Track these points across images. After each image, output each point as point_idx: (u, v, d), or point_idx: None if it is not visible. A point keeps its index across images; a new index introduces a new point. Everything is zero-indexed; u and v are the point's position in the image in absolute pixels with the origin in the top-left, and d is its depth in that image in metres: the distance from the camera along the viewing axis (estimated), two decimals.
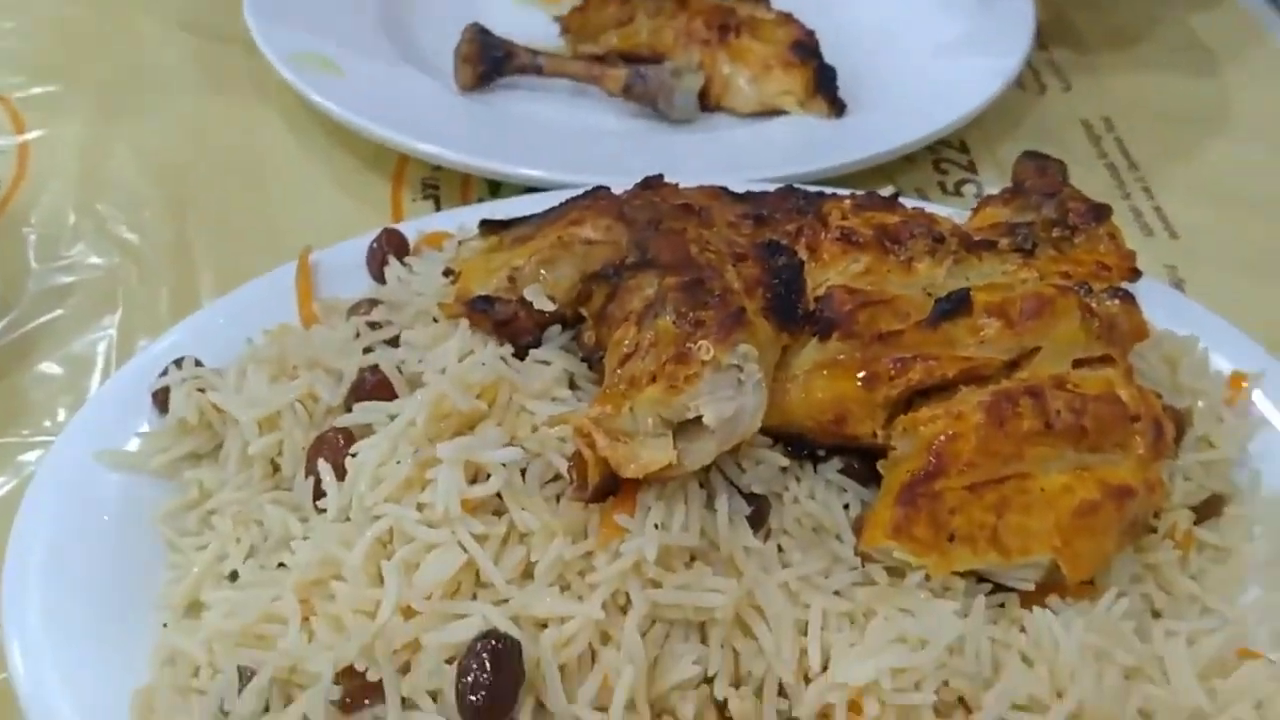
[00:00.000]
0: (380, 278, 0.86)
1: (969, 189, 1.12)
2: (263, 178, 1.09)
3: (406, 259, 0.86)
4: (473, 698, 0.61)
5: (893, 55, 1.21)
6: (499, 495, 0.67)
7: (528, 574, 0.66)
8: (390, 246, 0.87)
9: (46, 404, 0.89)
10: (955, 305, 0.71)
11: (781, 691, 0.64)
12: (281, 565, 0.71)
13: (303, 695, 0.62)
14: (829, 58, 1.15)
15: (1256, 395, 0.84)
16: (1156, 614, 0.73)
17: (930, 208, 0.87)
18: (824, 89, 1.13)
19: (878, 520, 0.67)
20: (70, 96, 1.16)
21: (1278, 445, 0.82)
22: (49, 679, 0.66)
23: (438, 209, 1.06)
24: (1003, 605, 0.69)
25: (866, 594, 0.66)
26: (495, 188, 1.07)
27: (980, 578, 0.70)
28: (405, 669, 0.63)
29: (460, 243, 0.84)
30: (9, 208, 1.04)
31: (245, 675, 0.63)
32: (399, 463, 0.67)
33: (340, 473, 0.71)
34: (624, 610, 0.64)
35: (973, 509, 0.68)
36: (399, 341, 0.77)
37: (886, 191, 0.86)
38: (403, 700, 0.62)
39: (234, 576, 0.72)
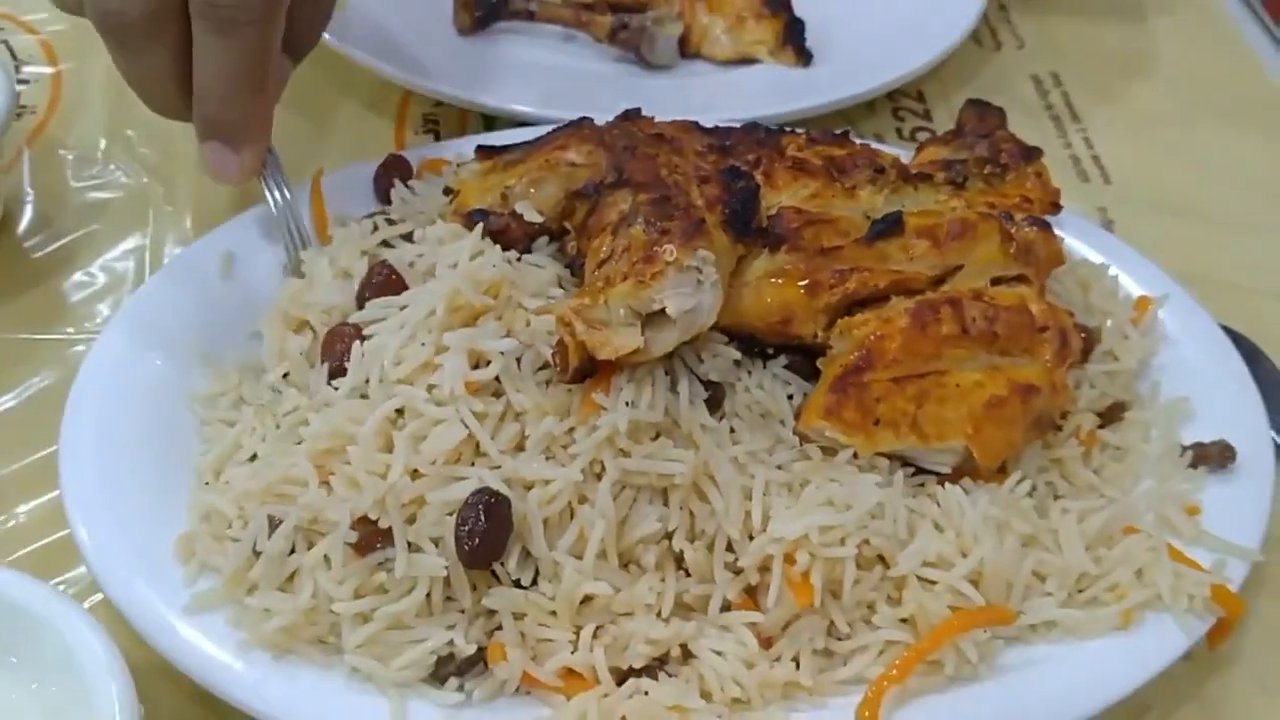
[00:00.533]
0: (386, 199, 0.96)
1: (924, 135, 1.22)
2: (275, 112, 1.19)
3: (410, 181, 0.96)
4: (468, 543, 0.72)
5: (858, 10, 1.30)
6: (497, 379, 0.77)
7: (520, 446, 0.77)
8: (395, 170, 0.97)
9: (86, 306, 0.99)
10: (888, 225, 0.82)
11: (729, 546, 0.76)
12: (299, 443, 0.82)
13: (323, 539, 0.74)
14: (799, 11, 1.24)
15: (1161, 316, 0.95)
16: (1058, 499, 0.84)
17: (880, 147, 0.98)
18: (793, 40, 1.23)
19: (813, 404, 0.79)
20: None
21: (1176, 360, 0.93)
22: (105, 532, 0.76)
23: (437, 141, 1.16)
24: (922, 485, 0.81)
25: (803, 467, 0.78)
26: (490, 123, 1.16)
27: (904, 462, 0.81)
28: (411, 520, 0.74)
29: (458, 166, 0.94)
30: (45, 131, 1.13)
31: (274, 521, 0.74)
32: (422, 345, 0.77)
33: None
34: (599, 476, 0.75)
35: (896, 398, 0.79)
36: (412, 237, 0.87)
37: (838, 131, 0.96)
38: (409, 545, 0.73)
39: (254, 459, 0.83)
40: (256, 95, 0.86)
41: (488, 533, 0.72)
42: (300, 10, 0.87)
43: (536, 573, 0.75)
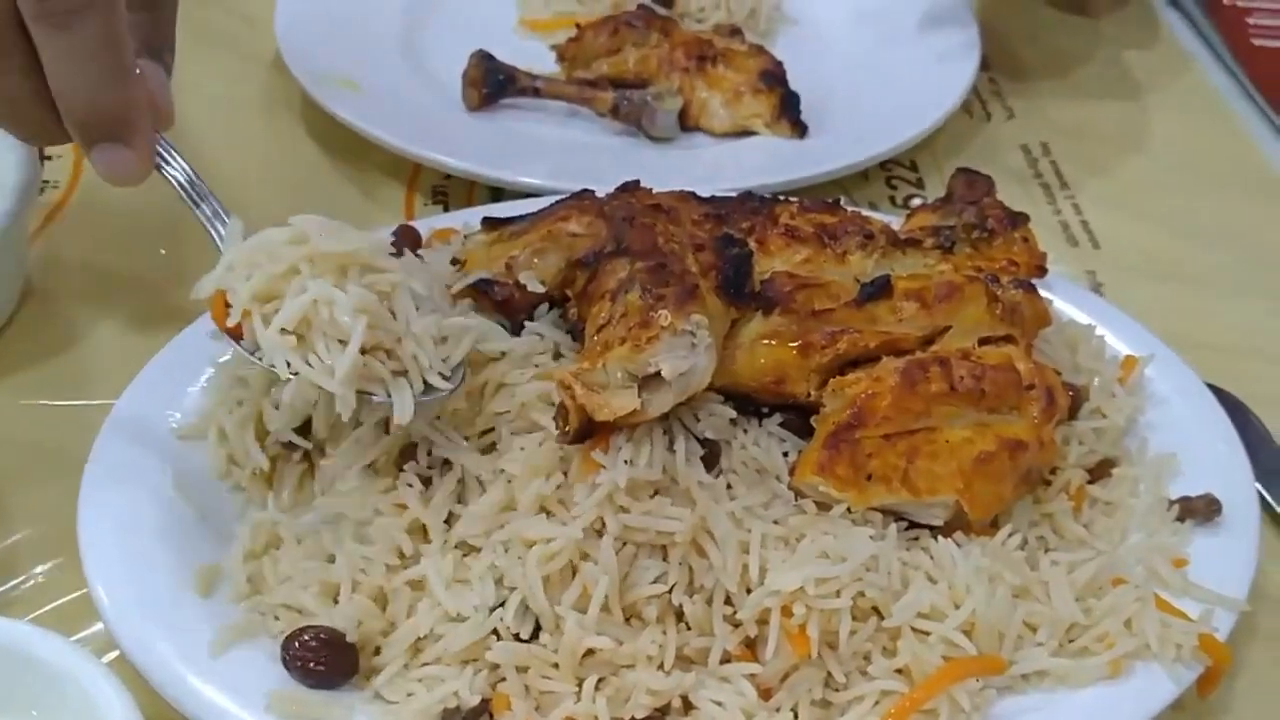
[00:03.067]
0: None
1: (916, 203, 1.26)
2: (293, 184, 1.23)
3: (419, 250, 1.00)
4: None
5: (852, 84, 1.35)
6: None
7: (509, 507, 0.80)
8: (406, 239, 1.01)
9: (106, 372, 1.01)
10: (878, 288, 0.86)
11: (727, 600, 0.78)
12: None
13: None
14: (794, 85, 1.29)
15: (1148, 374, 0.98)
16: (1049, 552, 0.86)
17: (870, 214, 1.01)
18: (789, 113, 1.27)
19: (807, 460, 0.81)
20: None
21: (1163, 417, 0.96)
22: (122, 590, 0.79)
23: (446, 211, 1.20)
24: (916, 538, 0.83)
25: (798, 521, 0.80)
26: (497, 194, 1.21)
27: (898, 517, 0.84)
28: None
29: (465, 237, 0.98)
30: (67, 205, 1.18)
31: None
32: None
33: None
34: (599, 533, 0.78)
35: (887, 454, 0.81)
36: None
37: (830, 200, 1.00)
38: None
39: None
40: (124, 84, 0.79)
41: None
42: (145, 6, 0.84)
43: (537, 626, 0.77)
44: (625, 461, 0.77)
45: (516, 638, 0.76)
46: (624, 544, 0.78)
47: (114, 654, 0.82)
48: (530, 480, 0.78)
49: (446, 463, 0.82)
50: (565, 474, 0.79)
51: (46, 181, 1.18)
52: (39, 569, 0.88)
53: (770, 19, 1.45)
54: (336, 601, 0.79)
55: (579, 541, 0.76)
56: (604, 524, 0.77)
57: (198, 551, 0.83)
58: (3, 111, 0.81)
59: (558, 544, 0.76)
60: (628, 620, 0.77)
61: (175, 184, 0.86)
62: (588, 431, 0.78)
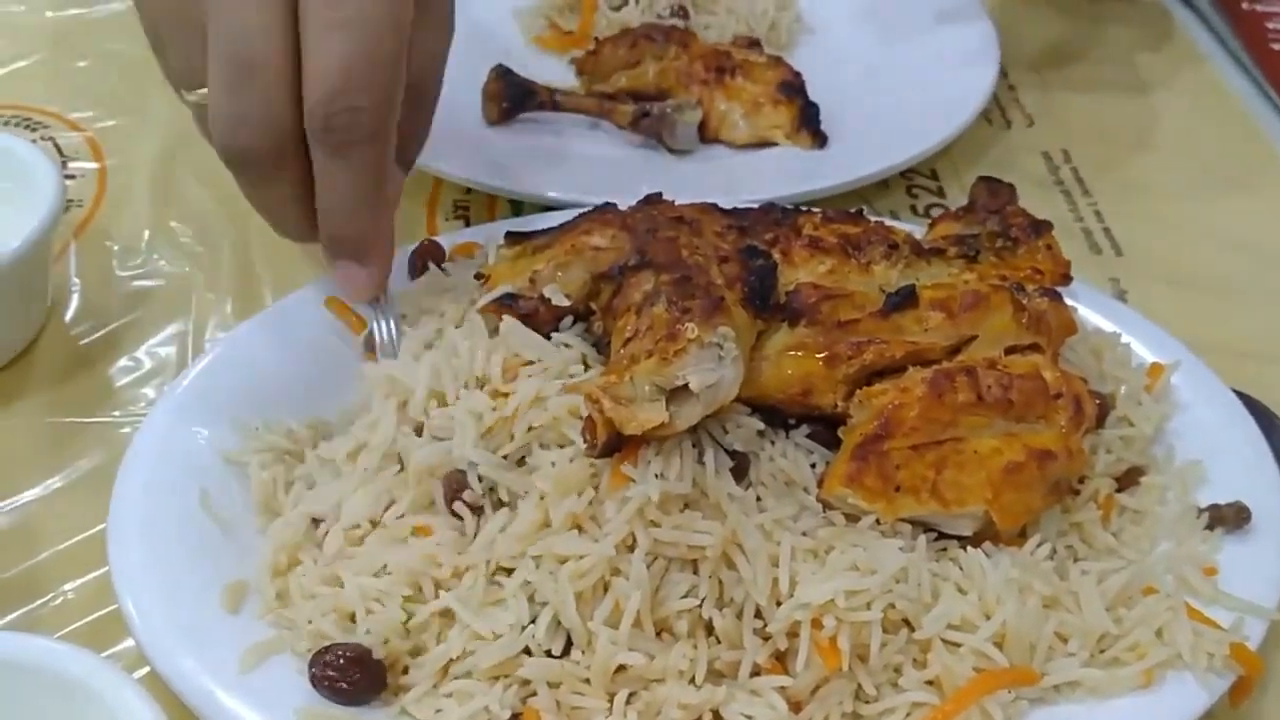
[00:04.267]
0: None
1: (937, 211, 1.25)
2: None
3: (443, 265, 1.00)
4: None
5: (871, 94, 1.35)
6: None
7: (546, 524, 0.80)
8: (429, 254, 1.01)
9: (132, 390, 1.02)
10: (903, 298, 0.85)
11: (757, 614, 0.78)
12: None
13: None
14: (813, 96, 1.29)
15: (1174, 382, 0.97)
16: (1078, 561, 0.86)
17: (893, 224, 1.01)
18: (808, 123, 1.27)
19: (835, 472, 0.81)
20: (140, 128, 1.30)
21: (1190, 425, 0.95)
22: (152, 606, 0.79)
23: (467, 226, 1.20)
24: (945, 549, 0.83)
25: (827, 533, 0.80)
26: (518, 208, 1.21)
27: (926, 528, 0.83)
28: None
29: (494, 249, 0.98)
30: (92, 224, 1.19)
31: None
32: None
33: None
34: (631, 549, 0.77)
35: (915, 465, 0.81)
36: None
37: (853, 210, 1.00)
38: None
39: None
40: (377, 210, 0.89)
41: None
42: (406, 121, 0.90)
43: (569, 642, 0.77)
44: (656, 475, 0.77)
45: (548, 654, 0.76)
46: (654, 558, 0.77)
47: (144, 670, 0.82)
48: (562, 498, 0.78)
49: (493, 490, 0.82)
50: (596, 489, 0.79)
51: (71, 200, 1.19)
52: (68, 586, 0.89)
53: (790, 30, 1.45)
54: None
55: (611, 558, 0.76)
56: (634, 539, 0.77)
57: (226, 567, 0.83)
58: (268, 210, 0.90)
59: (589, 561, 0.76)
60: (659, 634, 0.77)
61: (377, 327, 0.95)
62: (616, 445, 0.78)
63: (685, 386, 0.77)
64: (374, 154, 0.86)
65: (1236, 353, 1.07)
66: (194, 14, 0.84)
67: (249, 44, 0.82)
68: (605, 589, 0.77)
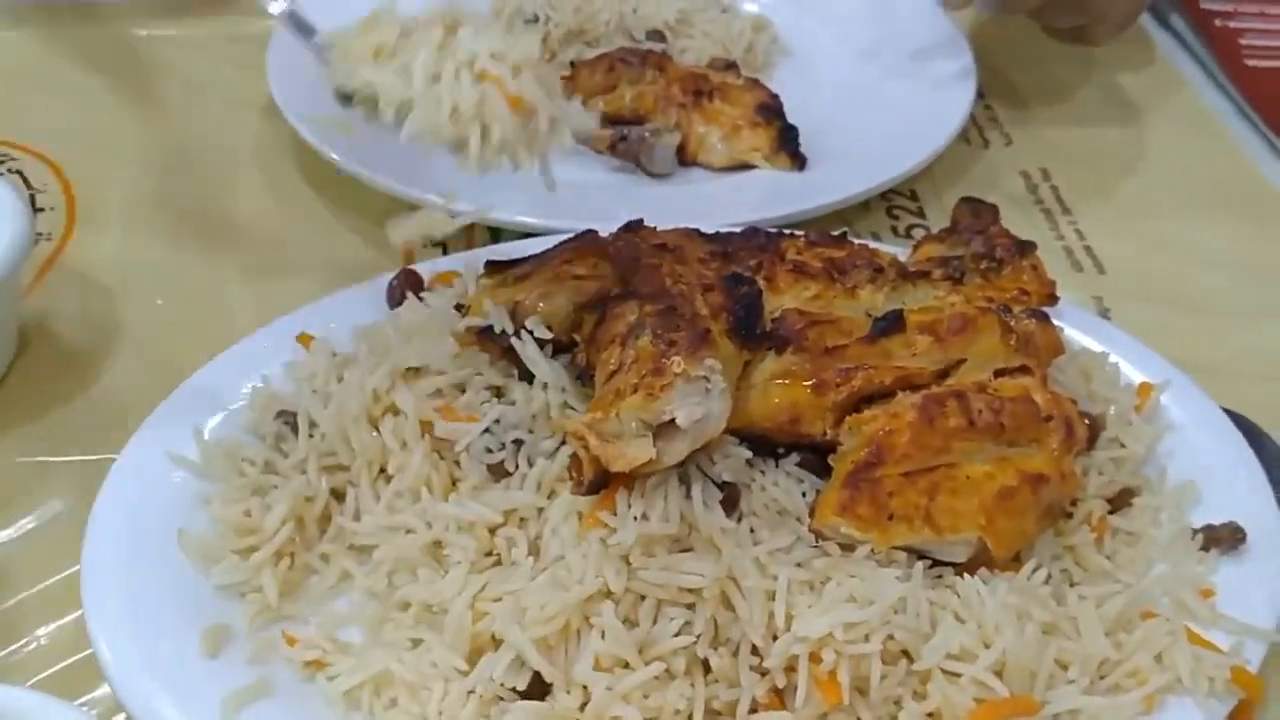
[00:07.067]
0: None
1: (918, 232, 1.25)
2: (287, 230, 1.22)
3: (422, 294, 0.99)
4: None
5: (849, 115, 1.34)
6: None
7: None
8: (408, 284, 0.99)
9: (104, 428, 1.00)
10: (890, 323, 0.84)
11: (754, 650, 0.76)
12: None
13: None
14: (792, 118, 1.28)
15: (1163, 401, 0.97)
16: (1074, 585, 0.85)
17: (878, 246, 1.00)
18: (787, 146, 1.26)
19: (827, 501, 0.80)
20: (110, 158, 1.28)
21: (1181, 445, 0.94)
22: (128, 649, 0.77)
23: (446, 254, 1.18)
24: (940, 576, 0.82)
25: (823, 564, 0.78)
26: (496, 234, 1.19)
27: (921, 555, 0.82)
28: None
29: (478, 279, 0.96)
30: (61, 257, 1.16)
31: None
32: None
33: None
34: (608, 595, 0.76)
35: (908, 492, 0.80)
36: None
37: (836, 232, 0.99)
38: None
39: None
40: None
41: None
42: None
43: (544, 685, 0.75)
44: (635, 518, 0.76)
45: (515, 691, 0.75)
46: (641, 598, 0.76)
47: (120, 718, 0.80)
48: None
49: None
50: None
51: (40, 234, 1.17)
52: (40, 631, 0.86)
53: (767, 52, 1.45)
54: None
55: (582, 604, 0.75)
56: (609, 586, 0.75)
57: (204, 609, 0.81)
58: None
59: (552, 609, 0.75)
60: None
61: None
62: (603, 482, 0.77)
63: (672, 422, 0.76)
64: None
65: (1219, 369, 1.07)
66: None
67: None
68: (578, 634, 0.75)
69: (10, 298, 1.02)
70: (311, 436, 0.88)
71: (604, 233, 0.96)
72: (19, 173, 1.25)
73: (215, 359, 0.97)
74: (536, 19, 1.40)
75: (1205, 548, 0.86)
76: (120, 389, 1.04)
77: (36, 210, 1.20)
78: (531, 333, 0.88)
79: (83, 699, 0.82)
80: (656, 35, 1.41)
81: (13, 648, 0.85)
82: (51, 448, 0.99)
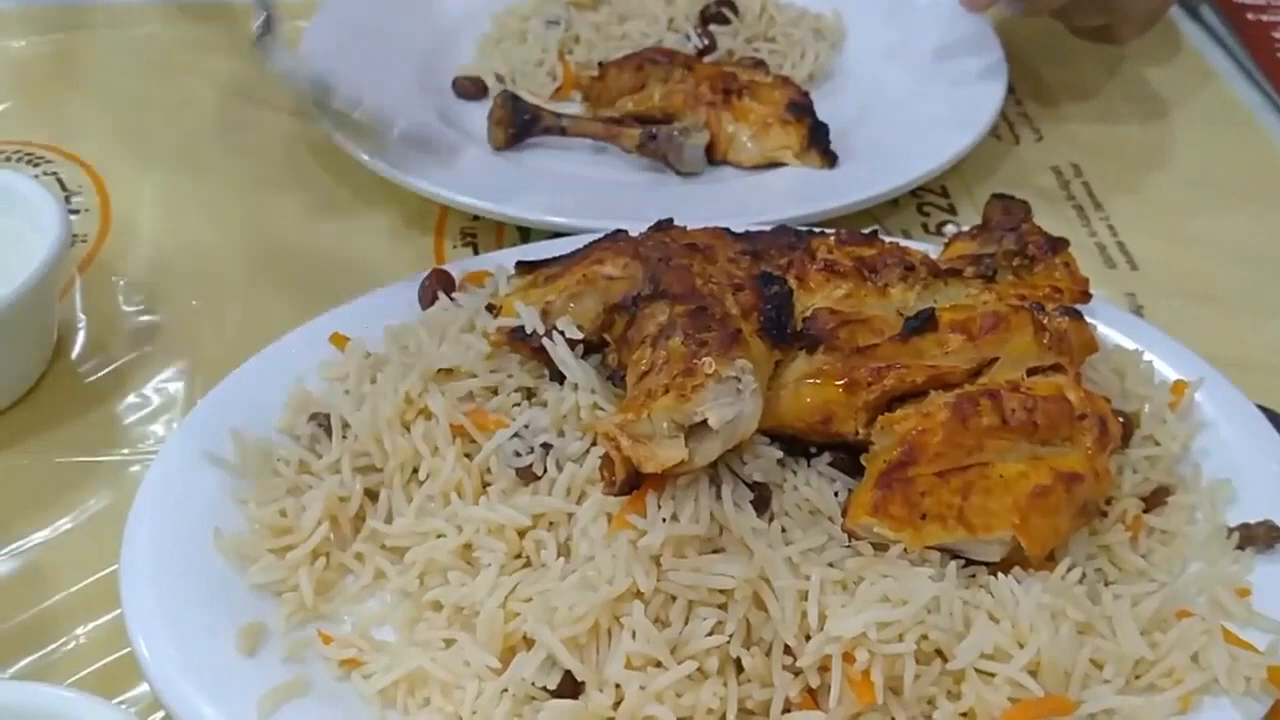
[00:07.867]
0: None
1: (949, 229, 1.24)
2: (318, 231, 1.23)
3: (454, 294, 0.99)
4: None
5: (880, 112, 1.34)
6: None
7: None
8: (439, 284, 1.00)
9: (140, 427, 1.01)
10: (922, 322, 0.84)
11: (787, 649, 0.76)
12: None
13: None
14: (822, 115, 1.28)
15: (1197, 399, 0.96)
16: (1109, 584, 0.84)
17: (909, 244, 1.00)
18: (817, 143, 1.26)
19: (859, 501, 0.80)
20: (144, 160, 1.29)
21: (1215, 442, 0.94)
22: (166, 648, 0.78)
23: (475, 254, 1.19)
24: (974, 576, 0.81)
25: (856, 564, 0.78)
26: (526, 234, 1.20)
27: (954, 555, 0.82)
28: None
29: (509, 279, 0.96)
30: (97, 259, 1.17)
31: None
32: None
33: None
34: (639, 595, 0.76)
35: (941, 492, 0.80)
36: None
37: (867, 230, 0.98)
38: None
39: None
40: None
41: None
42: None
43: (575, 685, 0.76)
44: (664, 519, 0.76)
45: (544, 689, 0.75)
46: (672, 599, 0.76)
47: (159, 716, 0.81)
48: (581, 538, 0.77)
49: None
50: None
51: (75, 235, 1.18)
52: (79, 630, 0.87)
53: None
54: None
55: (612, 604, 0.75)
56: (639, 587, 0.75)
57: (241, 608, 0.82)
58: None
59: (581, 609, 0.75)
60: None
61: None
62: (635, 483, 0.77)
63: (704, 422, 0.76)
64: None
65: (1256, 367, 1.06)
66: None
67: None
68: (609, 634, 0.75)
69: (46, 300, 1.03)
70: (345, 438, 0.89)
71: (634, 232, 0.96)
72: (55, 174, 1.27)
73: (250, 360, 0.97)
74: (557, 22, 1.40)
75: (1241, 546, 0.85)
76: (157, 390, 1.05)
77: (72, 213, 1.21)
78: (563, 333, 0.88)
79: (121, 697, 0.83)
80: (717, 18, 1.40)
81: (52, 646, 0.86)
82: (89, 448, 1.00)
